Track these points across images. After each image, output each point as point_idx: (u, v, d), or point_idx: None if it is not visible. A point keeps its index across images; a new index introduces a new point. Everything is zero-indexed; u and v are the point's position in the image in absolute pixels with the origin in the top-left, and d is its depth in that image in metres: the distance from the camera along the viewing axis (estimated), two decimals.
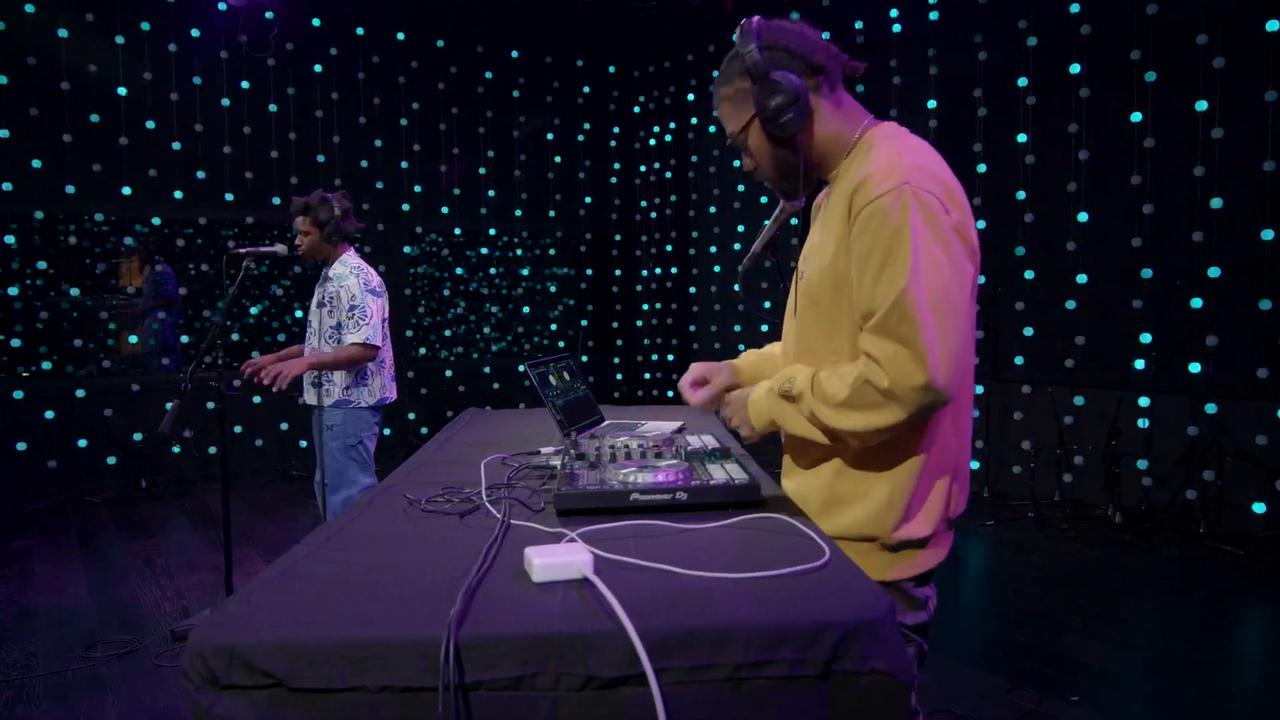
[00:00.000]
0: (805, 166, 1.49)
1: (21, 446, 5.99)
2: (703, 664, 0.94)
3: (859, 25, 6.64)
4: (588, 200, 8.53)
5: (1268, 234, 4.51)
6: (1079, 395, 5.40)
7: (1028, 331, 5.64)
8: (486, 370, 8.09)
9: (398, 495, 1.60)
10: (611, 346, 9.03)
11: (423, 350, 8.48)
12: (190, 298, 7.23)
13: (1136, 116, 5.06)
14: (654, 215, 8.73)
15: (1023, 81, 5.55)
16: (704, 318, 8.55)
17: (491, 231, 8.30)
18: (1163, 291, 4.87)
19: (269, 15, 6.71)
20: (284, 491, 6.38)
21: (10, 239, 6.03)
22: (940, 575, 1.53)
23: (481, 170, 7.86)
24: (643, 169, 8.81)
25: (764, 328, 7.54)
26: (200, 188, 6.58)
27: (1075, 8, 5.26)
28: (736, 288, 7.66)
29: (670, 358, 8.75)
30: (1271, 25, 4.49)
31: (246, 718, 0.92)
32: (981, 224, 5.80)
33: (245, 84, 6.70)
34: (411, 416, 7.48)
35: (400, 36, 7.38)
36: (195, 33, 6.48)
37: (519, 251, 8.87)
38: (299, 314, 8.10)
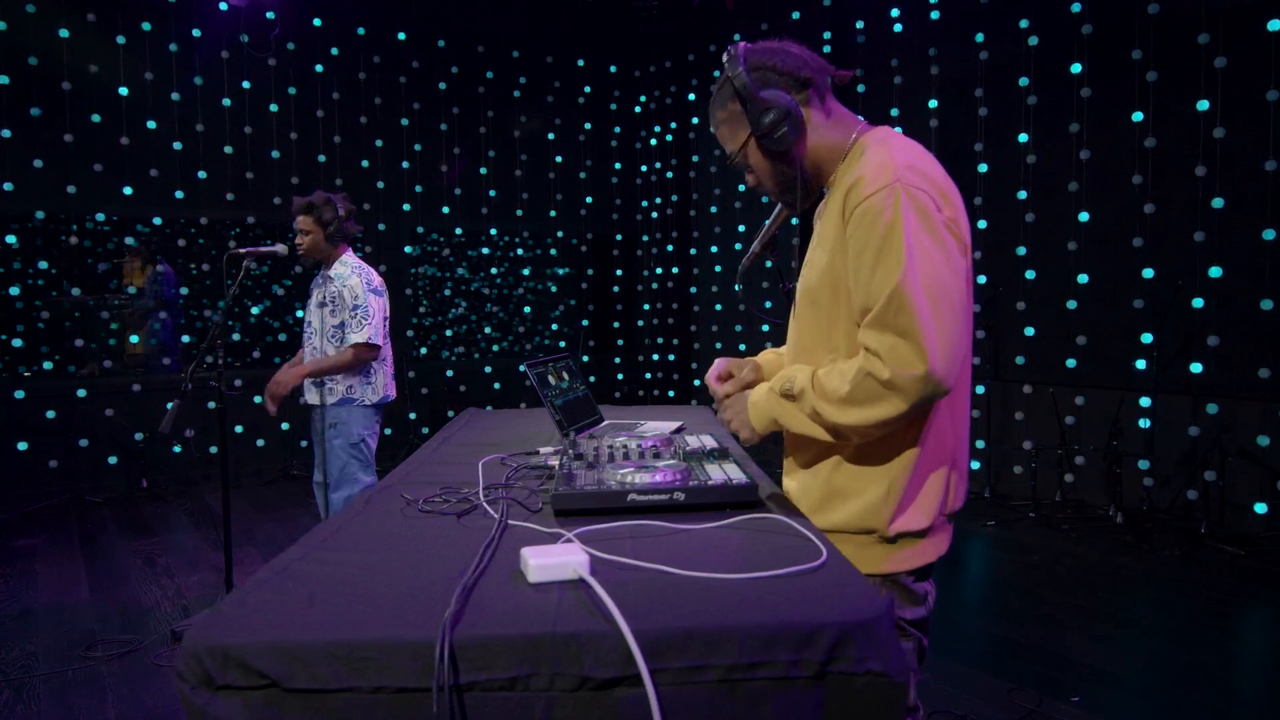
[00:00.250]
0: (804, 177, 1.53)
1: (23, 446, 5.99)
2: (698, 665, 0.94)
3: (860, 25, 6.63)
4: (589, 200, 8.52)
5: (1269, 234, 4.50)
6: (1080, 395, 5.39)
7: (1029, 331, 5.63)
8: (487, 370, 8.08)
9: (395, 495, 1.60)
10: (612, 346, 9.02)
11: (424, 350, 8.48)
12: (191, 297, 7.23)
13: (1138, 116, 5.05)
14: (655, 215, 8.72)
15: (1024, 81, 5.54)
16: (705, 318, 8.54)
17: (493, 231, 8.30)
18: (1164, 291, 4.86)
19: (270, 15, 6.71)
20: (285, 491, 6.38)
21: (12, 239, 6.04)
22: (941, 575, 1.54)
23: (482, 170, 7.86)
24: (644, 169, 8.80)
25: (764, 327, 7.55)
26: (201, 188, 6.59)
27: (1076, 7, 5.24)
28: (737, 287, 7.65)
29: (671, 358, 8.74)
30: (1273, 25, 4.47)
31: (241, 718, 0.92)
32: (982, 224, 5.79)
33: (246, 84, 6.70)
34: (412, 416, 7.48)
35: (401, 36, 7.38)
36: (196, 33, 6.48)
37: (520, 251, 8.86)
38: (299, 314, 8.09)
